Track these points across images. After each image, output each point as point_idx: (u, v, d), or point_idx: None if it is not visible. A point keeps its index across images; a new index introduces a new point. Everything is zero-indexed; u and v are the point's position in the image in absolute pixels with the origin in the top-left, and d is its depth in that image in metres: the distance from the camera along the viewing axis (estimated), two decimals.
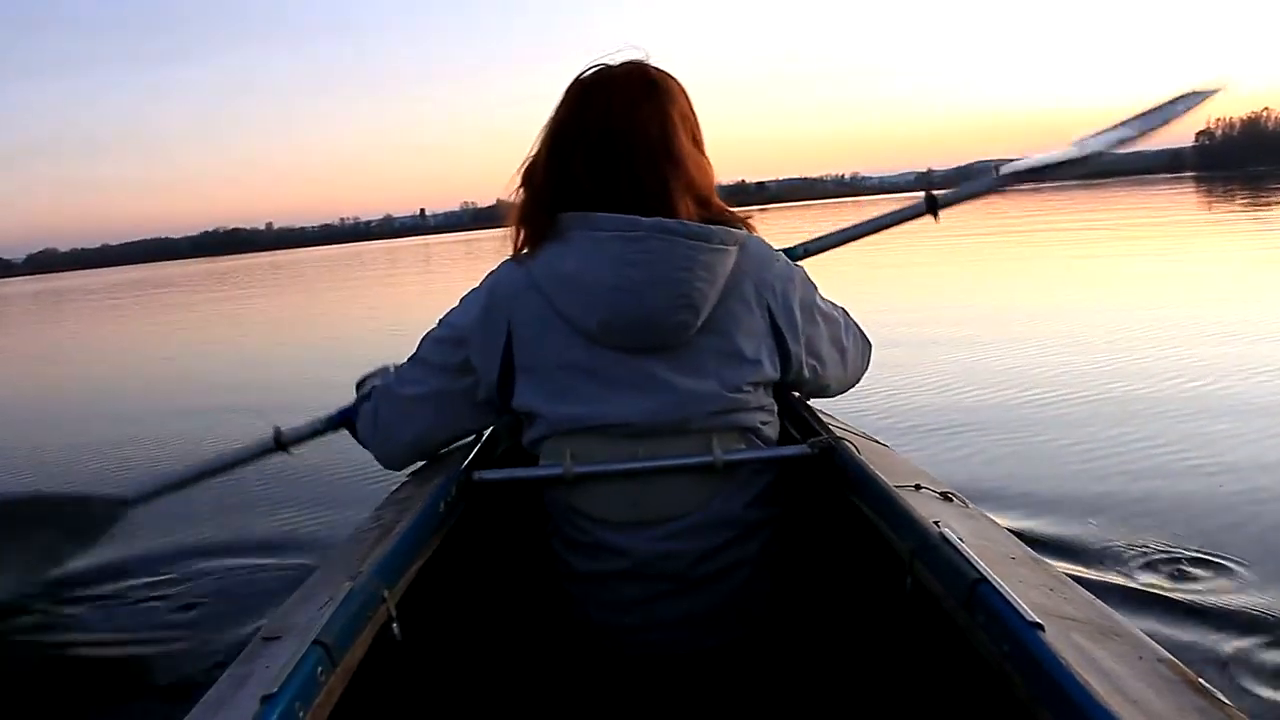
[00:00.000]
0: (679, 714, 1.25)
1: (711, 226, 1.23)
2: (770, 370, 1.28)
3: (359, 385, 1.66)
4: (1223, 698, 0.77)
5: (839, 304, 1.47)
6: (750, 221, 1.35)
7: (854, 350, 1.48)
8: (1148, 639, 0.89)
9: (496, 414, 1.37)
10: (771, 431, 1.32)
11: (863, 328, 1.55)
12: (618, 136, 1.24)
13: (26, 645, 2.52)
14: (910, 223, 2.11)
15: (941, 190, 2.11)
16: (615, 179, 1.23)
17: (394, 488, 1.55)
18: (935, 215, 2.07)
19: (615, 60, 1.29)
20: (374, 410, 1.46)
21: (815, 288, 1.37)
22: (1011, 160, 2.22)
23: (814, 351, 1.35)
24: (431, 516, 1.27)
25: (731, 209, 1.34)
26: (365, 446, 1.53)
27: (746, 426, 1.28)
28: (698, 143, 1.31)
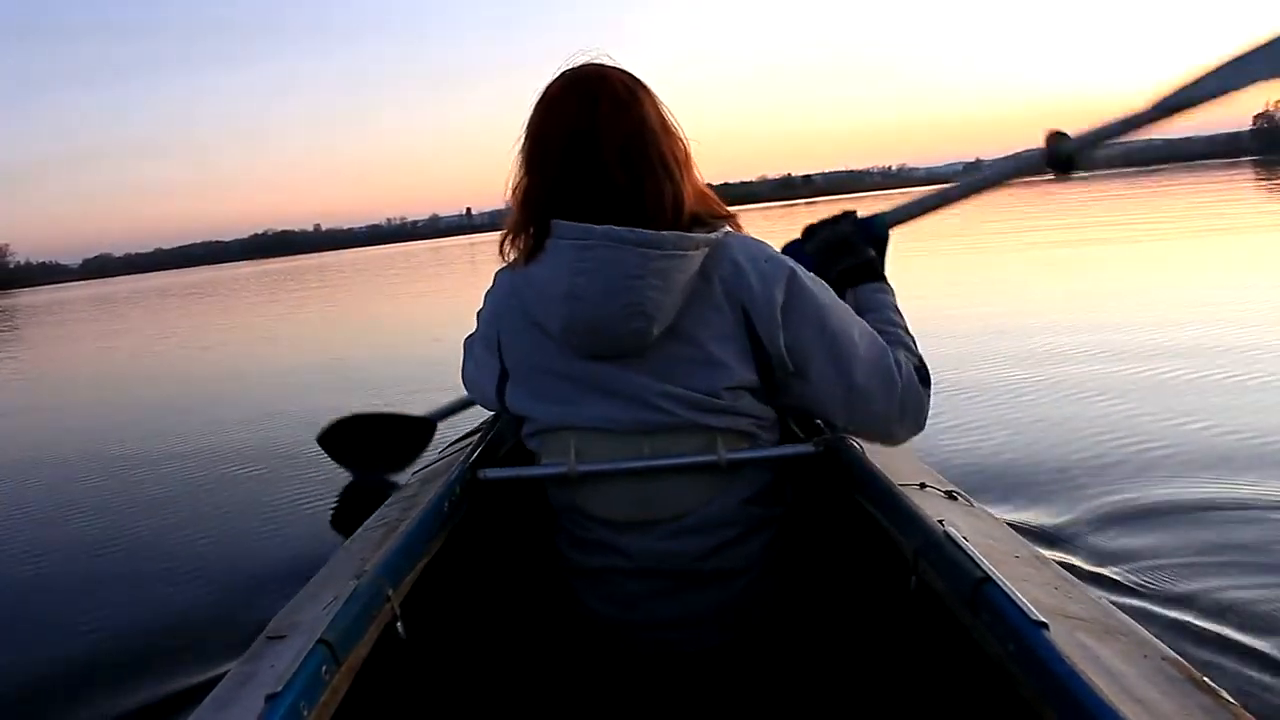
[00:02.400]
0: (684, 712, 1.24)
1: (665, 233, 1.15)
2: (745, 374, 1.20)
3: None
4: (1228, 696, 0.76)
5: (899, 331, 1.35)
6: (736, 220, 1.31)
7: (874, 384, 1.24)
8: (1153, 638, 0.88)
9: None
10: (767, 435, 1.28)
11: (922, 373, 1.29)
12: (587, 138, 1.19)
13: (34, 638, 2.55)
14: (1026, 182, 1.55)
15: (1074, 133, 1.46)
16: (592, 180, 1.19)
17: (399, 486, 1.56)
18: (1062, 172, 1.50)
19: (575, 63, 1.25)
20: None
21: (820, 294, 1.23)
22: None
23: (800, 358, 1.21)
24: (436, 515, 1.28)
25: (718, 200, 1.29)
26: None
27: (735, 430, 1.23)
28: (665, 120, 1.24)
